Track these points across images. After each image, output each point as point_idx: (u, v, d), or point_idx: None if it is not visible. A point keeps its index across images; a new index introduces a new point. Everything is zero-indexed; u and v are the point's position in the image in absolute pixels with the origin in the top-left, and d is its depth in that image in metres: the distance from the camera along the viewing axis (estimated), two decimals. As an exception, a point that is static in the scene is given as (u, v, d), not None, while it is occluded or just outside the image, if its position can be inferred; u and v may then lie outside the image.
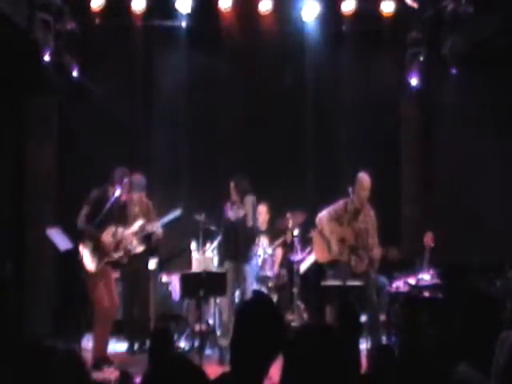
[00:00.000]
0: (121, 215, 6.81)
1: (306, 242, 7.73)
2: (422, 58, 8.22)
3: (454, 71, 7.64)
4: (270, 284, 7.48)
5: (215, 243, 7.64)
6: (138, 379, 4.53)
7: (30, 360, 2.41)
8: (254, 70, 8.70)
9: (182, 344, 7.24)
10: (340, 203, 7.24)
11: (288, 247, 7.69)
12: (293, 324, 7.22)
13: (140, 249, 7.08)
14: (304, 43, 8.38)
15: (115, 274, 7.07)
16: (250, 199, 7.11)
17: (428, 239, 7.57)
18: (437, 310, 6.75)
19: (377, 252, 6.98)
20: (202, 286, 6.36)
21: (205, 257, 7.59)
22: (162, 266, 8.02)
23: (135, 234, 6.93)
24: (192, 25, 8.21)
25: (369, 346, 6.42)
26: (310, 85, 8.79)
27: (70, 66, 8.10)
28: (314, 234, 7.37)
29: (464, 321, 6.44)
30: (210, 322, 7.32)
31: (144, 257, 7.37)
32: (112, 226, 6.63)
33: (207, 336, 7.14)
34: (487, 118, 7.83)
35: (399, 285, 7.24)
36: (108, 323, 6.63)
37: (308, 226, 7.58)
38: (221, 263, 7.32)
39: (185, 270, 7.15)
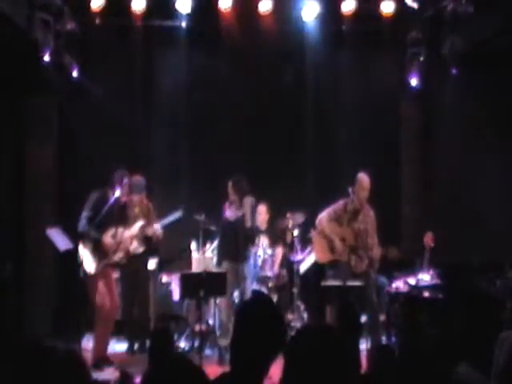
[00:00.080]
0: (121, 216, 6.81)
1: (306, 241, 7.73)
2: (422, 58, 8.22)
3: (454, 71, 7.64)
4: (270, 284, 7.48)
5: (215, 243, 7.65)
6: (138, 379, 4.53)
7: (29, 360, 2.41)
8: (254, 70, 8.69)
9: (182, 344, 7.24)
10: (340, 203, 7.24)
11: (288, 247, 7.69)
12: (293, 324, 7.22)
13: (140, 250, 7.09)
14: (304, 43, 8.38)
15: (115, 274, 7.07)
16: (248, 200, 7.13)
17: (428, 239, 7.57)
18: (437, 310, 6.75)
19: (376, 252, 6.99)
20: (201, 286, 6.36)
21: (205, 257, 7.59)
22: (162, 266, 8.01)
23: (135, 235, 6.93)
24: (192, 25, 8.21)
25: (369, 346, 6.42)
26: (309, 85, 8.79)
27: (69, 66, 8.09)
28: (314, 235, 7.38)
29: (464, 321, 6.44)
30: (210, 322, 7.32)
31: (144, 257, 7.37)
32: (112, 227, 6.63)
33: (207, 336, 7.14)
34: (487, 118, 7.83)
35: (399, 285, 7.24)
36: (109, 324, 6.64)
37: (308, 226, 7.58)
38: (219, 263, 7.31)
39: (185, 270, 7.15)
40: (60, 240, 6.69)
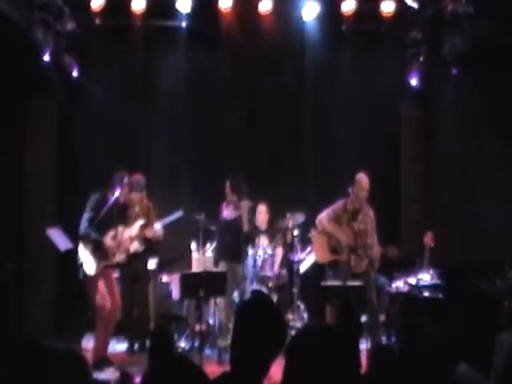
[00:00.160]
0: (121, 216, 6.81)
1: (305, 242, 7.74)
2: (421, 58, 8.22)
3: (454, 71, 7.64)
4: (270, 284, 7.48)
5: (215, 243, 7.65)
6: (138, 379, 4.53)
7: (30, 360, 2.41)
8: (254, 70, 8.70)
9: (182, 344, 7.24)
10: (339, 203, 7.25)
11: (288, 247, 7.69)
12: (293, 324, 7.22)
13: (140, 249, 7.09)
14: (304, 43, 8.37)
15: (115, 274, 7.07)
16: (245, 204, 7.14)
17: (428, 239, 7.57)
18: (437, 309, 6.75)
19: (376, 251, 6.99)
20: (202, 285, 6.36)
21: (205, 257, 7.59)
22: (162, 266, 8.01)
23: (135, 235, 6.93)
24: (192, 25, 8.21)
25: (369, 346, 6.42)
26: (309, 85, 8.79)
27: (69, 66, 8.10)
28: (314, 235, 7.38)
29: (464, 321, 6.44)
30: (210, 322, 7.32)
31: (144, 257, 7.37)
32: (112, 227, 6.62)
33: (207, 336, 7.14)
34: (487, 118, 7.82)
35: (399, 285, 7.24)
36: (110, 324, 6.64)
37: (308, 225, 7.58)
38: (216, 263, 7.31)
39: (185, 270, 7.15)
40: (60, 240, 6.69)
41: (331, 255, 7.18)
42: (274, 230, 7.80)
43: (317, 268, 7.71)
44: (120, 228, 6.75)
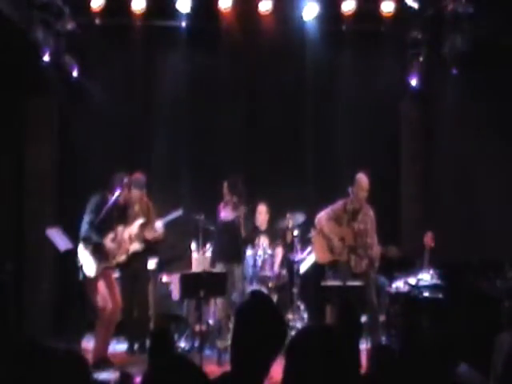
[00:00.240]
0: (120, 216, 6.80)
1: (305, 242, 7.74)
2: (421, 58, 8.22)
3: (454, 71, 7.64)
4: (270, 284, 7.48)
5: (211, 244, 7.64)
6: (138, 379, 4.53)
7: (30, 360, 2.41)
8: (254, 70, 8.70)
9: (182, 344, 7.24)
10: (339, 203, 7.25)
11: (288, 247, 7.69)
12: (293, 324, 7.22)
13: (140, 248, 7.09)
14: (304, 43, 8.37)
15: (115, 274, 7.07)
16: (242, 209, 7.15)
17: (428, 239, 7.58)
18: (437, 310, 6.75)
19: (376, 251, 6.99)
20: (202, 286, 6.36)
21: (205, 257, 7.59)
22: (162, 266, 8.01)
23: (135, 233, 6.93)
24: (192, 25, 8.20)
25: (369, 346, 6.42)
26: (309, 85, 8.79)
27: (69, 66, 8.10)
28: (313, 235, 7.38)
29: (464, 321, 6.44)
30: (210, 322, 7.32)
31: (144, 257, 7.37)
32: (112, 229, 6.61)
33: (207, 336, 7.14)
34: (487, 118, 7.83)
35: (399, 285, 7.24)
36: (111, 325, 6.63)
37: (308, 225, 7.58)
38: (212, 264, 7.29)
39: (185, 270, 7.15)
40: (60, 240, 6.68)
41: (331, 255, 7.18)
42: (275, 231, 7.80)
43: (317, 268, 7.71)
44: (120, 228, 6.75)
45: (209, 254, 7.68)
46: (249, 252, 7.51)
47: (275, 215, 7.88)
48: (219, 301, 7.14)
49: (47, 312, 8.13)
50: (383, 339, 6.98)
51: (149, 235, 7.10)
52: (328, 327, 2.45)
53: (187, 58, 8.58)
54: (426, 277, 7.17)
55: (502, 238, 7.23)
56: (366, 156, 8.26)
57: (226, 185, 7.30)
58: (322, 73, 8.71)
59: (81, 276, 6.43)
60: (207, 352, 6.95)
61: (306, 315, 7.51)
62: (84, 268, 6.41)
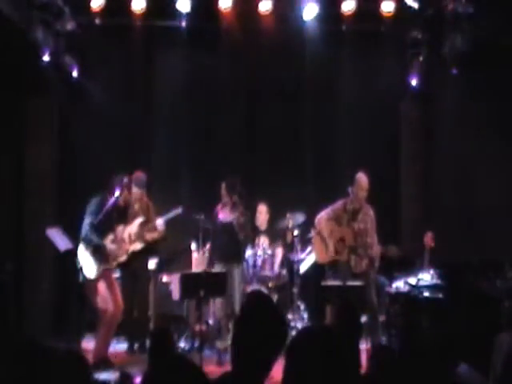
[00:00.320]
0: (120, 215, 6.80)
1: (305, 242, 7.74)
2: (421, 58, 8.22)
3: (454, 71, 7.64)
4: (270, 284, 7.48)
5: (209, 245, 7.63)
6: (138, 379, 4.53)
7: (30, 360, 2.41)
8: (254, 70, 8.70)
9: (182, 344, 7.24)
10: (339, 203, 7.25)
11: (288, 247, 7.69)
12: (293, 324, 7.22)
13: (139, 247, 7.08)
14: (304, 43, 8.37)
15: (115, 274, 7.06)
16: (241, 209, 7.15)
17: (428, 239, 7.58)
18: (437, 310, 6.75)
19: (376, 250, 6.99)
20: (202, 286, 6.35)
21: (205, 257, 7.59)
22: (162, 266, 8.01)
23: (135, 232, 6.93)
24: (192, 25, 8.20)
25: (369, 346, 6.41)
26: (309, 85, 8.79)
27: (69, 66, 8.10)
28: (313, 235, 7.38)
29: (464, 321, 6.44)
30: (210, 322, 7.32)
31: (144, 257, 7.37)
32: (112, 230, 6.60)
33: (207, 336, 7.14)
34: (487, 118, 7.83)
35: (399, 285, 7.23)
36: (113, 326, 6.62)
37: (308, 225, 7.58)
38: (210, 265, 7.27)
39: (185, 270, 7.15)
40: (60, 240, 6.68)
41: (331, 255, 7.18)
42: (275, 231, 7.79)
43: (317, 268, 7.71)
44: (120, 227, 6.74)
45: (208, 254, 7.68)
46: (249, 252, 7.51)
47: (275, 215, 7.88)
48: (218, 301, 7.14)
49: (47, 312, 8.13)
50: (383, 339, 6.97)
51: (148, 236, 7.10)
52: (328, 327, 2.45)
53: (187, 58, 8.58)
54: (426, 277, 7.17)
55: (502, 238, 7.23)
56: (365, 156, 8.26)
57: (223, 186, 7.29)
58: (322, 73, 8.71)
59: (81, 277, 6.42)
60: (207, 352, 6.95)
61: (306, 315, 7.51)
62: (84, 269, 6.40)
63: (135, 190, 7.12)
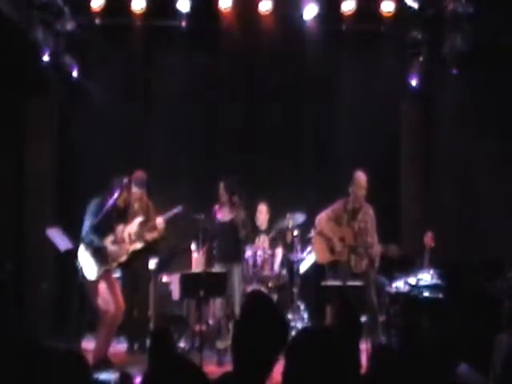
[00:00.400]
0: (120, 216, 6.79)
1: (305, 242, 7.73)
2: (421, 58, 8.22)
3: (454, 71, 7.64)
4: (270, 284, 7.48)
5: (206, 245, 7.62)
6: (138, 379, 4.53)
7: (30, 360, 2.41)
8: (254, 70, 8.70)
9: (182, 344, 7.23)
10: (339, 203, 7.25)
11: (288, 247, 7.69)
12: (293, 324, 7.22)
13: (139, 246, 7.07)
14: (304, 43, 8.37)
15: (115, 274, 7.06)
16: (241, 210, 7.15)
17: (428, 239, 7.57)
18: (437, 310, 6.75)
19: (377, 249, 6.99)
20: (202, 286, 6.35)
21: (204, 257, 7.58)
22: (162, 266, 8.01)
23: (134, 232, 6.93)
24: (192, 25, 8.20)
25: (369, 346, 6.42)
26: (309, 85, 8.79)
27: (69, 66, 8.10)
28: (313, 235, 7.38)
29: (464, 321, 6.44)
30: (210, 322, 7.32)
31: (144, 257, 7.37)
32: (112, 231, 6.60)
33: (207, 336, 7.14)
34: (487, 118, 7.83)
35: (399, 285, 7.23)
36: (114, 327, 6.61)
37: (308, 225, 7.58)
38: (208, 265, 7.26)
39: (185, 270, 7.15)
40: (60, 240, 6.68)
41: (331, 255, 7.18)
42: (275, 232, 7.78)
43: (317, 268, 7.71)
44: (120, 227, 6.74)
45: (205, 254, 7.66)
46: (249, 252, 7.51)
47: (275, 215, 7.88)
48: (218, 301, 7.14)
49: (47, 312, 8.13)
50: (383, 339, 6.97)
51: (148, 235, 7.10)
52: (328, 328, 2.45)
53: (187, 57, 8.58)
54: (426, 277, 7.17)
55: (502, 238, 7.23)
56: (365, 156, 8.26)
57: (222, 186, 7.29)
58: (322, 73, 8.71)
59: (81, 279, 6.41)
60: (207, 352, 6.94)
61: (306, 315, 7.51)
62: (85, 270, 6.39)
63: (135, 190, 7.12)
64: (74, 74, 8.18)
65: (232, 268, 7.09)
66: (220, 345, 6.88)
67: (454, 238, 7.77)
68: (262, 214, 7.85)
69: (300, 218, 7.67)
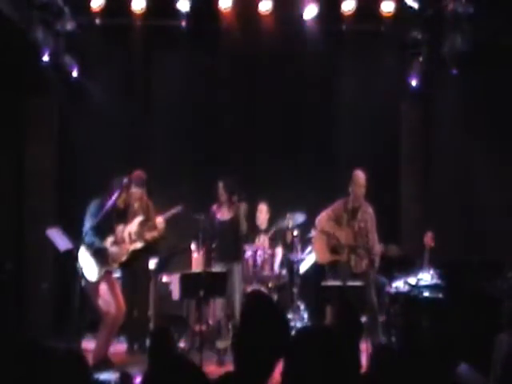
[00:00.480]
0: (121, 216, 6.79)
1: (305, 242, 7.74)
2: (421, 58, 8.22)
3: (454, 71, 7.64)
4: (270, 284, 7.48)
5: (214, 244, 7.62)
6: (138, 379, 4.53)
7: (30, 360, 2.41)
8: (254, 70, 8.70)
9: (182, 344, 7.23)
10: (339, 203, 7.25)
11: (288, 247, 7.69)
12: (293, 324, 7.22)
13: (139, 246, 7.07)
14: (304, 43, 8.36)
15: (115, 274, 7.06)
16: (243, 206, 7.15)
17: (428, 239, 7.56)
18: (437, 310, 6.75)
19: (377, 249, 6.99)
20: (202, 286, 6.35)
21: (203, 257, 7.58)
22: (162, 266, 8.01)
23: (134, 231, 6.93)
24: (192, 25, 8.20)
25: (369, 346, 6.42)
26: (309, 85, 8.79)
27: (69, 66, 8.10)
28: (313, 235, 7.38)
29: (464, 321, 6.44)
30: (210, 322, 7.32)
31: (144, 257, 7.37)
32: (112, 231, 6.60)
33: (207, 336, 7.13)
34: (487, 118, 7.83)
35: (399, 285, 7.23)
36: (115, 328, 6.60)
37: (308, 225, 7.58)
38: (207, 265, 7.25)
39: (185, 270, 7.14)
40: (60, 240, 6.67)
41: (331, 255, 7.18)
42: (276, 232, 7.78)
43: (317, 268, 7.71)
44: (120, 227, 6.74)
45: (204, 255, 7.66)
46: (249, 252, 7.51)
47: (275, 215, 7.88)
48: (218, 301, 7.13)
49: (47, 312, 8.13)
50: (383, 339, 6.97)
51: (148, 235, 7.10)
52: (328, 327, 2.45)
53: (187, 58, 8.58)
54: (426, 277, 7.17)
55: (502, 238, 7.23)
56: (365, 156, 8.26)
57: (221, 185, 7.29)
58: (322, 73, 8.71)
59: (82, 281, 6.40)
60: (207, 352, 6.94)
61: (306, 315, 7.51)
62: (85, 272, 6.38)
63: (135, 190, 7.12)
64: (74, 73, 8.18)
65: (232, 267, 7.10)
66: (220, 345, 6.88)
67: (454, 238, 7.77)
68: (262, 213, 7.85)
69: (300, 217, 7.67)
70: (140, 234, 7.02)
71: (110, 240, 6.56)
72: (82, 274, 6.35)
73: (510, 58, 7.08)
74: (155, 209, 7.37)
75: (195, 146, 8.71)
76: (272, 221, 7.90)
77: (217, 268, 7.05)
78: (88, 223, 6.39)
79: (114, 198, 6.49)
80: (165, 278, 7.95)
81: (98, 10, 7.84)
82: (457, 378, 4.01)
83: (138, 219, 7.03)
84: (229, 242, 7.18)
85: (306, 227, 7.64)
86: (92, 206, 6.47)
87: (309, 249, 7.78)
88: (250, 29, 8.19)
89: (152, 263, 7.72)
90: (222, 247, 7.20)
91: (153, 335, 4.80)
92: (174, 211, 7.13)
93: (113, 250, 6.56)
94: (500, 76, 7.33)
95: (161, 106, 8.79)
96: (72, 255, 6.52)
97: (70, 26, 7.74)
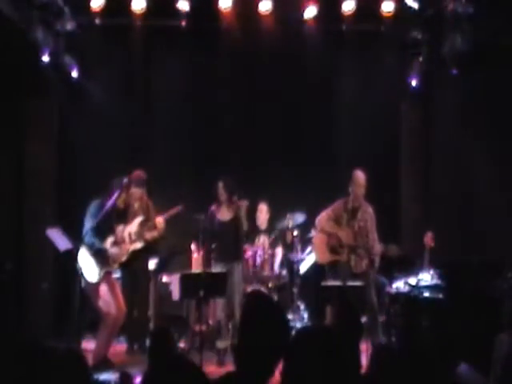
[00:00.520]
0: (121, 216, 6.79)
1: (305, 242, 7.73)
2: (421, 58, 8.22)
3: (454, 71, 7.64)
4: (270, 284, 7.48)
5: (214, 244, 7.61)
6: (138, 379, 4.53)
7: (30, 360, 2.41)
8: (254, 70, 8.69)
9: (182, 344, 7.23)
10: (339, 203, 7.25)
11: (288, 247, 7.69)
12: (293, 324, 7.21)
13: (139, 246, 7.07)
14: (304, 43, 8.37)
15: (115, 274, 7.06)
16: (244, 203, 7.15)
17: (428, 239, 7.56)
18: (437, 310, 6.74)
19: (377, 249, 7.00)
20: (202, 286, 6.35)
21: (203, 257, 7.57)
22: (162, 266, 8.00)
23: (134, 232, 6.92)
24: (192, 25, 8.20)
25: (369, 346, 6.41)
26: (309, 85, 8.78)
27: (69, 67, 8.10)
28: (314, 235, 7.38)
29: (464, 321, 6.43)
30: (210, 322, 7.32)
31: (144, 257, 7.36)
32: (112, 232, 6.59)
33: (207, 336, 7.13)
34: (487, 118, 7.83)
35: (399, 285, 7.23)
36: (115, 329, 6.60)
37: (308, 225, 7.58)
38: (206, 265, 7.24)
39: (185, 270, 7.14)
40: (60, 240, 6.67)
41: (331, 255, 7.18)
42: (276, 233, 7.78)
43: (317, 268, 7.71)
44: (120, 227, 6.74)
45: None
46: (249, 252, 7.51)
47: (275, 215, 7.88)
48: (218, 301, 7.13)
49: (47, 312, 8.13)
50: (383, 339, 6.97)
51: (148, 235, 7.09)
52: (328, 327, 2.45)
53: (187, 57, 8.58)
54: (426, 277, 7.16)
55: (502, 238, 7.23)
56: (365, 156, 8.26)
57: (221, 185, 7.29)
58: (322, 73, 8.71)
59: (82, 282, 6.39)
60: (207, 352, 6.94)
61: (306, 315, 7.51)
62: (85, 273, 6.37)
63: (135, 190, 7.11)
64: (74, 74, 8.18)
65: (232, 267, 7.10)
66: (220, 345, 6.88)
67: (454, 238, 7.77)
68: (263, 213, 7.85)
69: (300, 217, 7.67)
70: (140, 234, 7.01)
71: (110, 240, 6.55)
72: (83, 274, 6.34)
73: (510, 57, 7.09)
74: (155, 209, 7.37)
75: (195, 146, 8.71)
76: (272, 221, 7.90)
77: (217, 268, 7.05)
78: (88, 224, 6.38)
79: (113, 198, 6.48)
80: (165, 278, 7.94)
81: (97, 9, 7.83)
82: (457, 378, 4.01)
83: (138, 219, 7.03)
84: (229, 242, 7.18)
85: (305, 227, 7.65)
86: (92, 207, 6.46)
87: (309, 249, 7.79)
88: (250, 29, 8.19)
89: (152, 263, 7.72)
90: (222, 247, 7.19)
91: (153, 335, 4.80)
92: (174, 211, 7.13)
93: (113, 250, 6.55)
94: (500, 76, 7.33)
95: (161, 106, 8.79)
96: (72, 255, 6.51)
97: (70, 25, 7.74)
